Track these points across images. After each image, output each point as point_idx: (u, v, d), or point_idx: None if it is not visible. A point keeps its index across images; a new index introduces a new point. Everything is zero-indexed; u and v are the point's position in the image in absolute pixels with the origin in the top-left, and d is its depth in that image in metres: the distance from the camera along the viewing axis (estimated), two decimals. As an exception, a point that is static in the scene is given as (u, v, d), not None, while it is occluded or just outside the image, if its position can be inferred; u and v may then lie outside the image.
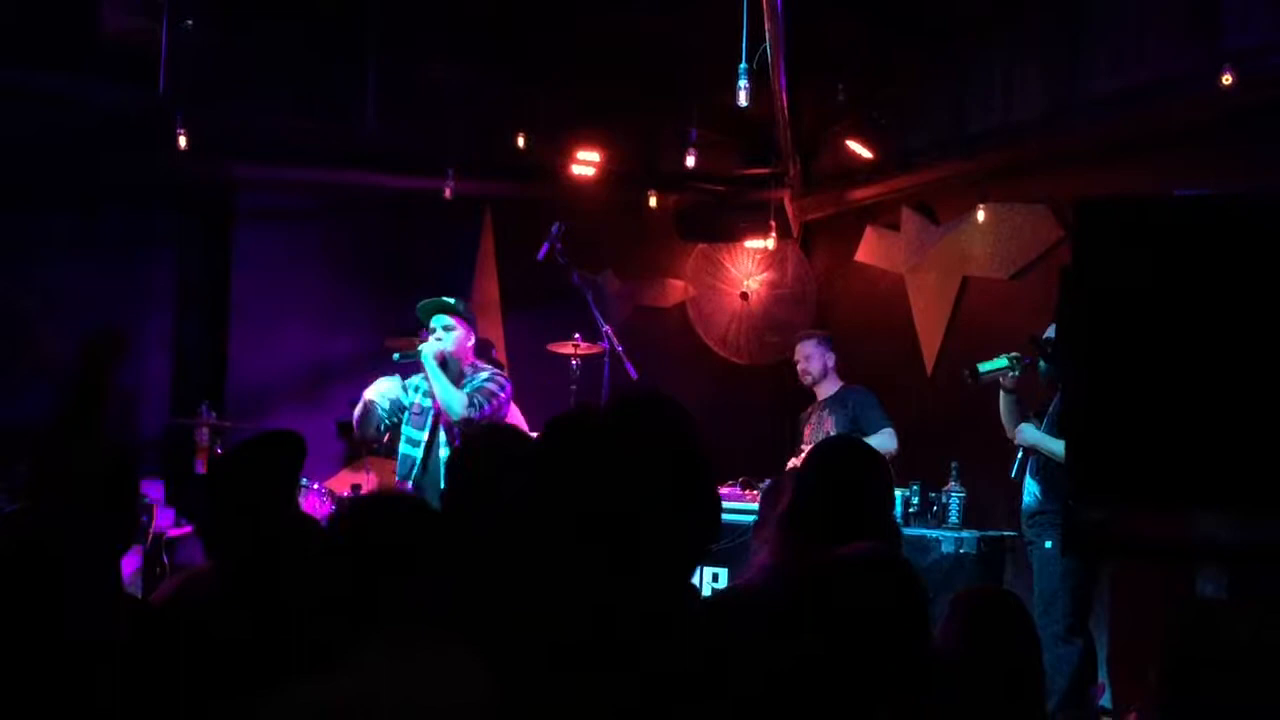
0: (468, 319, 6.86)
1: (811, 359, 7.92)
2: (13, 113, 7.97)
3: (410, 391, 6.87)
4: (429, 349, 6.70)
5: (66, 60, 7.79)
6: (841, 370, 7.97)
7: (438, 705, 2.23)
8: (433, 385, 6.66)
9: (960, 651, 3.30)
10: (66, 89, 7.99)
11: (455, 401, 6.59)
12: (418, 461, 6.76)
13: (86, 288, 8.79)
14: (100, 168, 8.65)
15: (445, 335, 6.78)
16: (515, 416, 7.83)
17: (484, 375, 6.77)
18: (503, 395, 6.73)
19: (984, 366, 6.75)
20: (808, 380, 7.95)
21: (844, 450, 3.81)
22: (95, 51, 7.66)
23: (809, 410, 8.00)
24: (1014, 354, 6.69)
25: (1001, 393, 6.77)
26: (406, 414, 6.85)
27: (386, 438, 7.08)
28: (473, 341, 6.91)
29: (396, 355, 6.88)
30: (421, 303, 6.88)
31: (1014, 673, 3.35)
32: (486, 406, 6.64)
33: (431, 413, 6.79)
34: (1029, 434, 6.79)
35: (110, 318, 8.81)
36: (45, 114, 8.07)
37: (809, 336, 8.11)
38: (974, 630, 3.36)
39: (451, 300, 6.86)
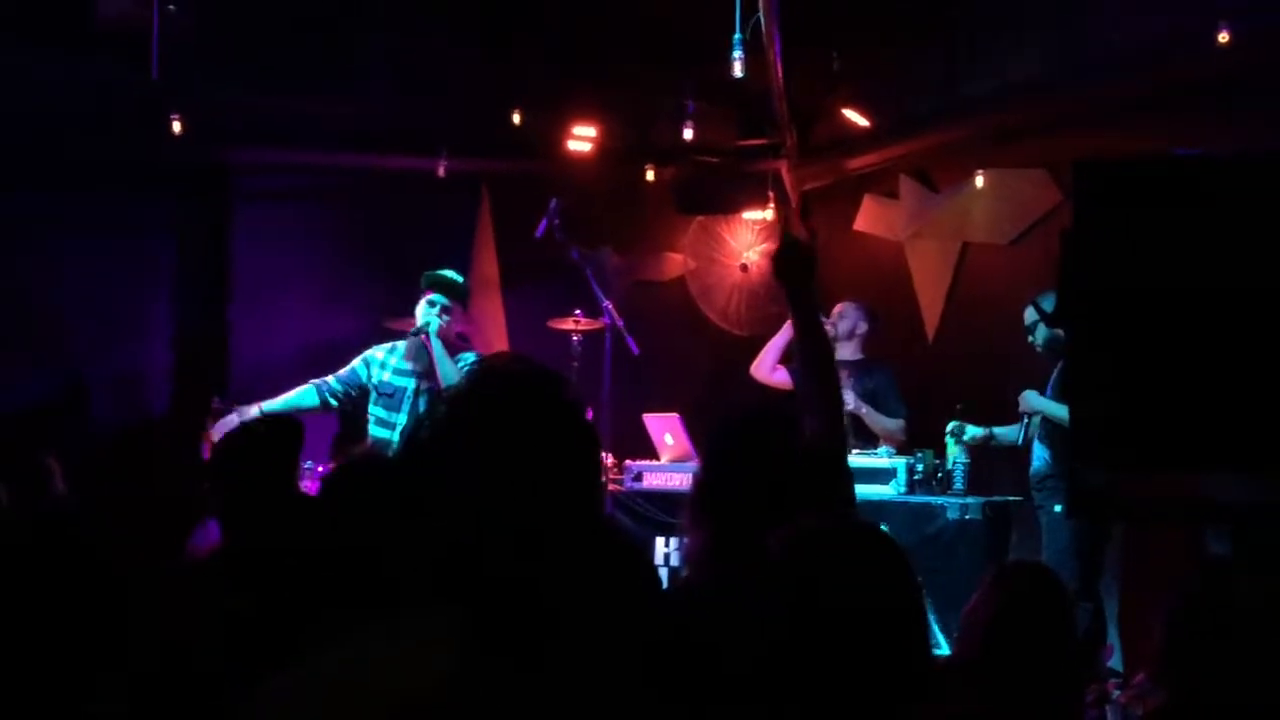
0: (463, 301, 6.81)
1: (843, 318, 7.86)
2: (8, 97, 7.95)
3: (375, 369, 6.79)
4: (432, 326, 6.67)
5: (62, 43, 7.76)
6: (870, 345, 7.93)
7: (418, 684, 2.22)
8: (437, 363, 6.61)
9: (996, 627, 3.25)
10: (62, 73, 7.96)
11: (454, 376, 6.50)
12: (394, 444, 6.69)
13: (85, 273, 8.79)
14: (97, 152, 8.64)
15: (444, 315, 6.73)
16: None
17: (471, 356, 6.74)
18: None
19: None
20: (830, 333, 7.92)
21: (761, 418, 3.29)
22: (91, 35, 7.63)
23: None
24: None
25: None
26: (373, 394, 6.78)
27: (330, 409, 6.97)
28: (458, 322, 6.94)
29: (411, 332, 6.85)
30: (432, 272, 6.81)
31: (1051, 650, 3.29)
32: None
33: (408, 393, 6.71)
34: (1033, 400, 6.81)
35: (110, 303, 8.82)
36: (41, 98, 8.04)
37: (853, 300, 8.05)
38: (1012, 605, 3.29)
39: (460, 279, 6.81)
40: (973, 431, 7.14)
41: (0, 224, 8.53)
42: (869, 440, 7.59)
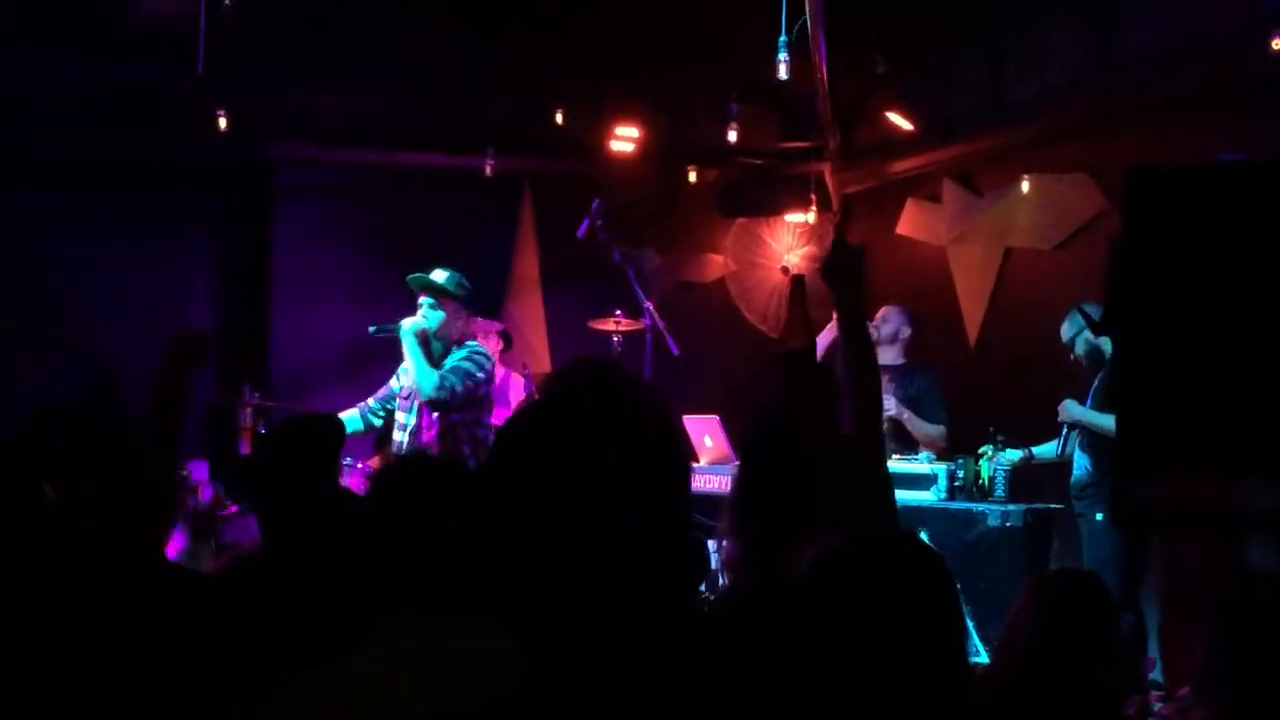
0: (458, 297, 6.66)
1: (887, 321, 7.81)
2: (50, 94, 8.00)
3: (401, 376, 6.75)
4: (409, 325, 6.56)
5: (103, 40, 7.80)
6: (913, 350, 7.87)
7: (458, 685, 2.22)
8: (409, 363, 6.53)
9: (1038, 636, 3.22)
10: (103, 70, 8.00)
11: (426, 382, 6.42)
12: (403, 447, 6.65)
13: (126, 268, 8.84)
14: (137, 149, 8.68)
15: (430, 314, 6.62)
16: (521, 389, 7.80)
17: (461, 353, 6.56)
18: (481, 375, 6.51)
19: None
20: (873, 336, 7.87)
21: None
22: (132, 31, 7.67)
23: None
24: None
25: None
26: (396, 400, 6.76)
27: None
28: (462, 320, 6.70)
29: (372, 329, 6.76)
30: (411, 276, 6.75)
31: (1093, 660, 3.25)
32: (459, 387, 6.42)
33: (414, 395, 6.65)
34: (1073, 410, 6.76)
35: (151, 299, 8.86)
36: (83, 95, 8.09)
37: (896, 304, 8.01)
38: (1056, 614, 3.25)
39: (438, 279, 6.66)
40: (1010, 455, 7.09)
41: (40, 220, 8.58)
42: (909, 445, 7.55)
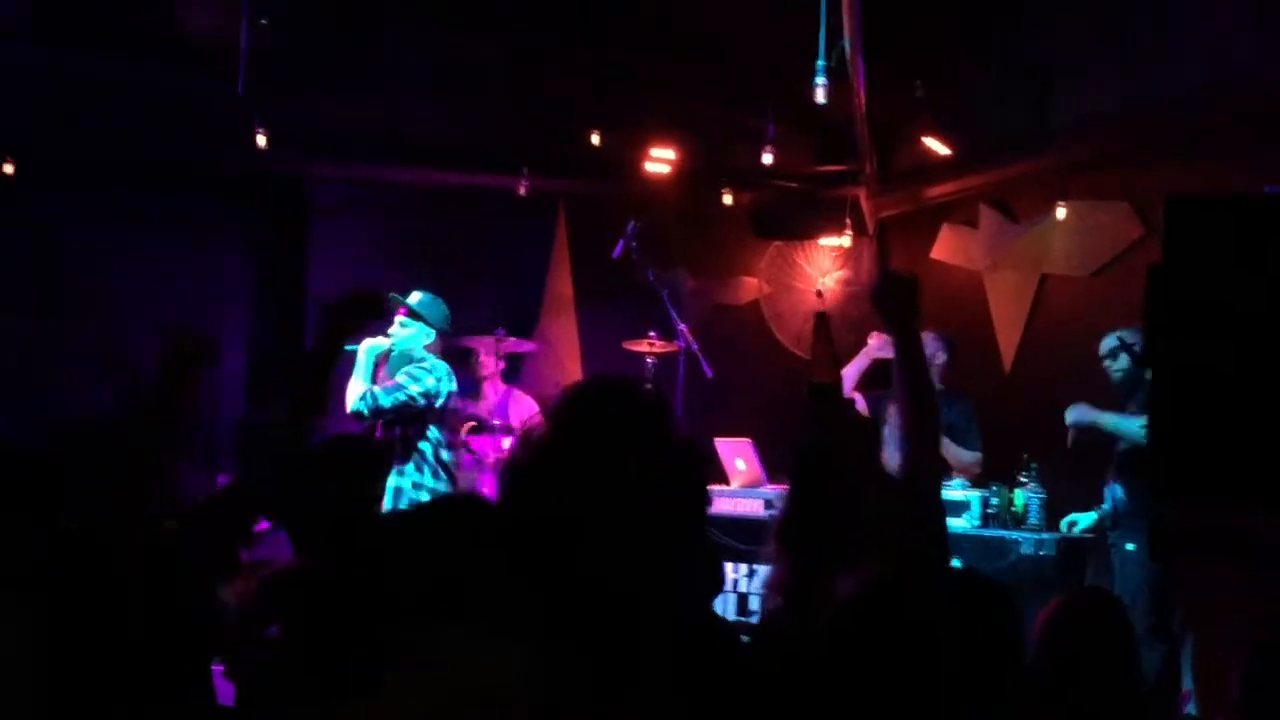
0: (428, 320, 6.95)
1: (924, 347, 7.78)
2: (93, 103, 8.06)
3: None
4: (369, 344, 6.82)
5: (147, 52, 7.87)
6: (949, 376, 7.83)
7: (499, 706, 2.21)
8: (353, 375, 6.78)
9: (1057, 656, 3.19)
10: (146, 80, 8.07)
11: (353, 395, 6.71)
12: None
13: (164, 281, 8.90)
14: (177, 162, 8.74)
15: (398, 332, 6.91)
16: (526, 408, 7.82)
17: (408, 367, 6.82)
18: (414, 389, 6.71)
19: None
20: None
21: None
22: (176, 44, 7.73)
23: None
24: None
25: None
26: None
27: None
28: (431, 342, 6.98)
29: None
30: (391, 294, 6.93)
31: (1113, 679, 3.22)
32: (384, 401, 6.68)
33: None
34: (1082, 413, 6.76)
35: (188, 312, 8.90)
36: (124, 106, 8.15)
37: (932, 330, 7.97)
38: (1074, 634, 3.23)
39: (412, 302, 6.94)
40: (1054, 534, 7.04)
41: (77, 234, 8.64)
42: (944, 472, 7.53)
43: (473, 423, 8.18)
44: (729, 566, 7.28)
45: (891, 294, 3.44)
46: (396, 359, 6.91)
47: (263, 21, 7.30)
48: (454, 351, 8.72)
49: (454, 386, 6.88)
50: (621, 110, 9.03)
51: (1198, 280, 3.50)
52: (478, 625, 2.33)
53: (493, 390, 8.80)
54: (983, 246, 9.25)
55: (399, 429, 6.84)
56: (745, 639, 2.95)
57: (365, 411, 6.70)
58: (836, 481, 3.16)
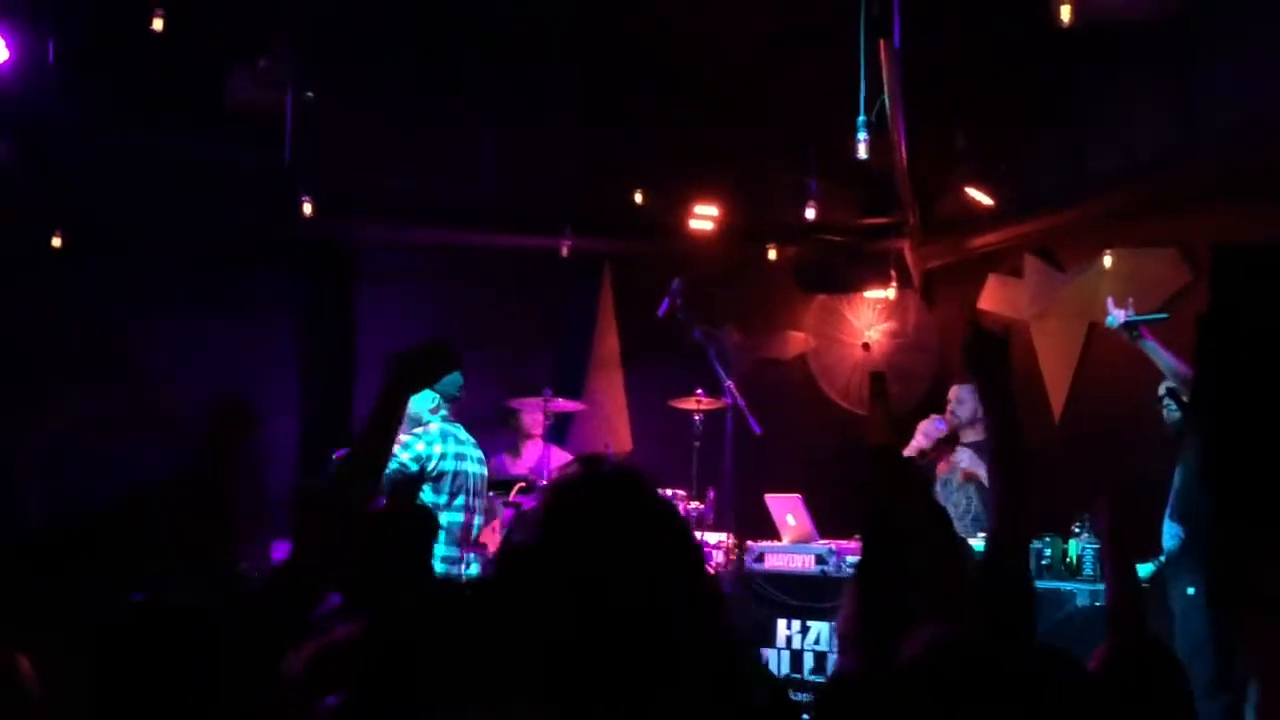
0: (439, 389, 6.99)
1: (964, 403, 7.81)
2: (140, 175, 8.17)
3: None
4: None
5: (194, 123, 7.98)
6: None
7: None
8: None
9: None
10: (193, 152, 8.18)
11: None
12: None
13: (212, 349, 8.97)
14: (225, 230, 8.83)
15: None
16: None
17: (401, 434, 6.85)
18: (404, 455, 6.75)
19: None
20: (953, 422, 7.85)
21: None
22: (222, 116, 7.83)
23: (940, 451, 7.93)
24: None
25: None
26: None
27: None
28: (434, 404, 7.04)
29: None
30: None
31: None
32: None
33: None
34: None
35: (236, 379, 8.97)
36: (171, 176, 8.26)
37: (969, 383, 7.98)
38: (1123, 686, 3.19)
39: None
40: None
41: (127, 301, 8.73)
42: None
43: (522, 484, 8.20)
44: (781, 623, 7.25)
45: (982, 351, 3.24)
46: (408, 424, 6.97)
47: (309, 95, 7.39)
48: (499, 412, 8.77)
49: (450, 449, 6.89)
50: (664, 169, 9.08)
51: (1247, 328, 3.47)
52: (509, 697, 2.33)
53: (532, 449, 8.84)
54: (1029, 296, 9.21)
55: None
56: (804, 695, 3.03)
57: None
58: (902, 541, 3.12)
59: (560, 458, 8.61)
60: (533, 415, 8.76)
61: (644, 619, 2.04)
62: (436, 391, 7.01)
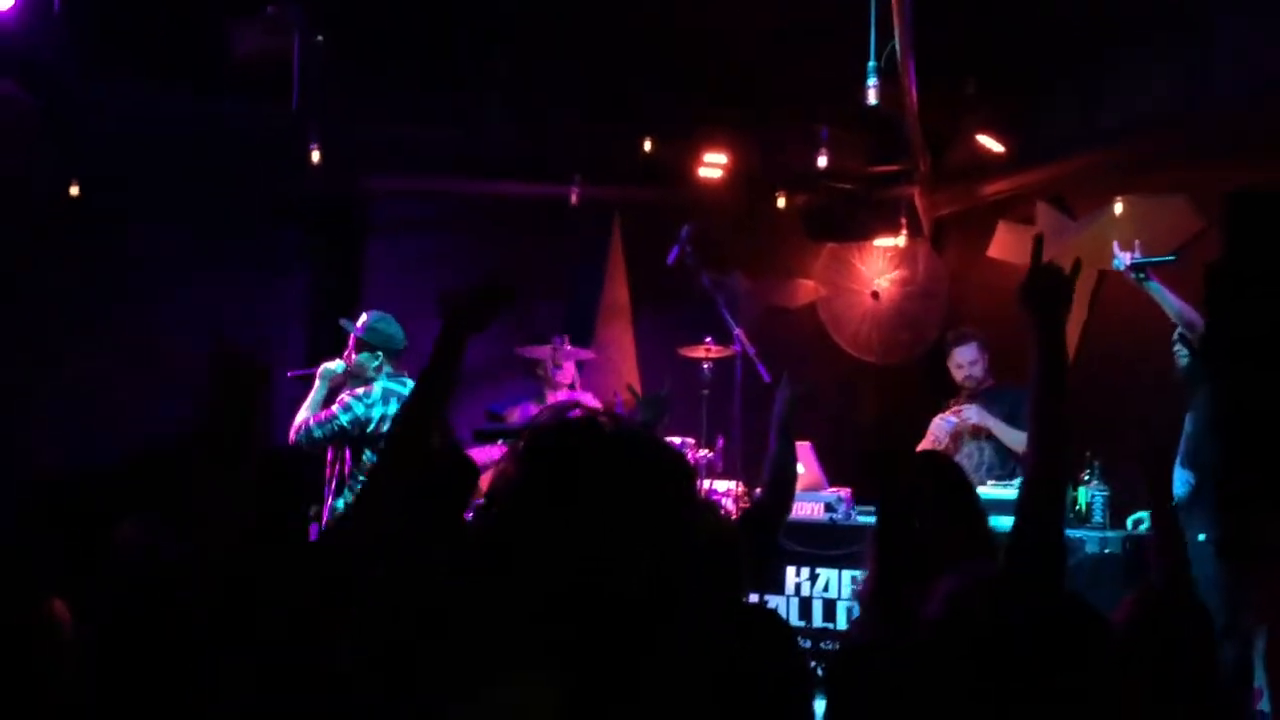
0: (368, 341, 7.11)
1: (977, 364, 7.89)
2: (144, 133, 8.13)
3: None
4: (326, 368, 7.18)
5: (198, 80, 7.94)
6: (996, 372, 7.91)
7: None
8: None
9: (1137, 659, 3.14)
10: (198, 108, 8.14)
11: (295, 426, 7.03)
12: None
13: (220, 306, 8.95)
14: (232, 186, 8.80)
15: (353, 355, 7.16)
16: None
17: (344, 394, 7.05)
18: (344, 418, 6.90)
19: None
20: (970, 384, 7.88)
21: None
22: (226, 71, 7.79)
23: (950, 404, 7.95)
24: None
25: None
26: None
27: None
28: (378, 363, 7.12)
29: (290, 374, 7.54)
30: (341, 320, 7.36)
31: (1191, 683, 3.17)
32: (317, 433, 6.93)
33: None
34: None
35: (243, 332, 8.96)
36: (177, 133, 8.23)
37: (970, 339, 7.98)
38: (1155, 635, 3.18)
39: (360, 323, 7.17)
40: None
41: (133, 256, 8.70)
42: (1009, 473, 7.50)
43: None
44: (790, 570, 7.26)
45: (1045, 288, 3.07)
46: (353, 383, 7.06)
47: (318, 39, 7.36)
48: (520, 362, 8.75)
49: (391, 410, 6.90)
50: (674, 116, 9.03)
51: (1258, 275, 3.46)
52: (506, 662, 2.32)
53: (554, 398, 8.81)
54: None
55: (332, 455, 7.09)
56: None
57: (304, 444, 6.93)
58: (917, 506, 3.30)
59: (591, 403, 8.61)
60: (565, 365, 8.70)
61: (624, 575, 2.02)
62: (379, 348, 7.05)
